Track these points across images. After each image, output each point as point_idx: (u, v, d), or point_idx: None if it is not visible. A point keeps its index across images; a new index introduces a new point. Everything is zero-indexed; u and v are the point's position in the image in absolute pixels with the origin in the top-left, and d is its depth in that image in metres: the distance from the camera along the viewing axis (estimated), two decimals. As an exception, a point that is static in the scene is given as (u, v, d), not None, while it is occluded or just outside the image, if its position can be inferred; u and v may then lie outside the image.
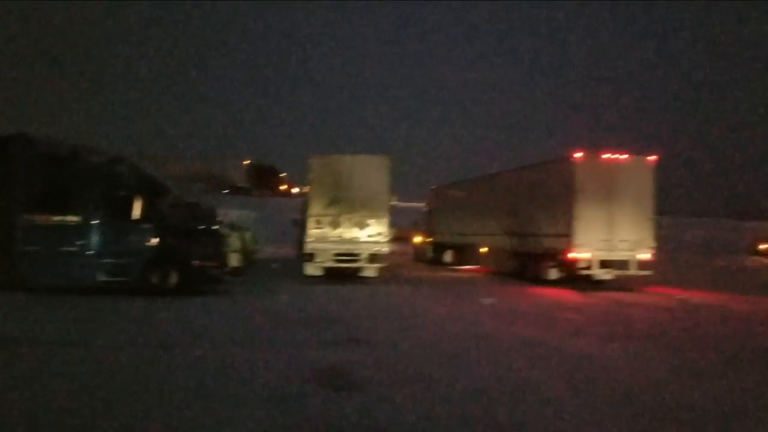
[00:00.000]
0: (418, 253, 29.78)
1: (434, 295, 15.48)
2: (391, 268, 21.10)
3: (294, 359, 7.47)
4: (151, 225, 13.61)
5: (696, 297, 15.66)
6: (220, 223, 20.04)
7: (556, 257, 17.79)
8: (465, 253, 24.93)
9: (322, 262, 17.29)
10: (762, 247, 41.81)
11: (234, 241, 19.19)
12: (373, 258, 17.45)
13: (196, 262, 13.76)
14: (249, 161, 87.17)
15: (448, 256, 26.51)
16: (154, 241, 13.57)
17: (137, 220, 13.55)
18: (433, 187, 30.84)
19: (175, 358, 7.50)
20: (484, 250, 23.02)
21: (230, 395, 5.92)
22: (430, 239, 28.24)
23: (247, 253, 21.73)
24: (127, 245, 13.54)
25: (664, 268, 21.27)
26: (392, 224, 18.03)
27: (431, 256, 27.71)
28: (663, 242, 20.24)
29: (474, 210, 24.37)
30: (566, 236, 17.12)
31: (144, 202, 13.64)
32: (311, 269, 17.40)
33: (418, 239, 30.43)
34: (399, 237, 40.14)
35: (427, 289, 16.65)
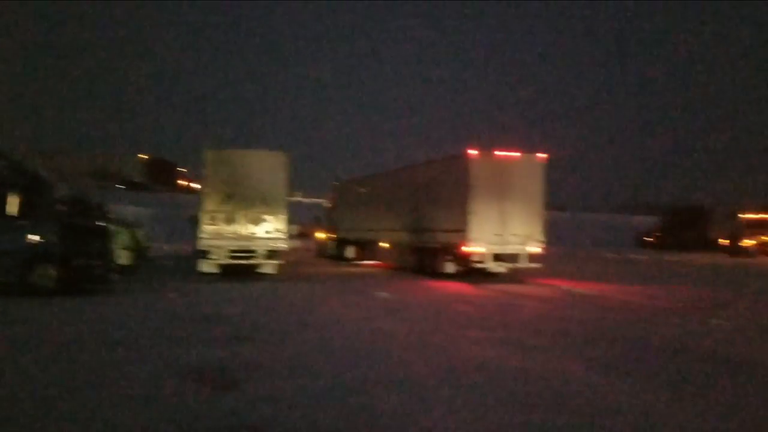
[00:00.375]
0: (321, 249, 29.71)
1: (330, 290, 15.48)
2: (292, 265, 20.95)
3: (174, 358, 7.24)
4: (30, 222, 12.81)
5: (580, 288, 16.49)
6: (109, 219, 19.19)
7: (452, 251, 18.24)
8: (367, 248, 25.10)
9: (218, 259, 16.89)
10: (647, 239, 44.65)
11: (124, 238, 18.41)
12: (271, 255, 17.23)
13: (79, 261, 13.07)
14: (146, 156, 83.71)
15: (350, 252, 26.59)
16: (33, 238, 12.78)
17: (14, 217, 12.70)
18: (335, 183, 30.83)
19: (44, 359, 7.09)
20: (385, 245, 23.25)
21: (100, 396, 5.66)
22: (333, 235, 28.22)
23: (139, 251, 20.91)
24: (2, 243, 12.68)
25: (555, 261, 22.30)
26: (296, 220, 17.85)
27: (334, 252, 27.72)
28: (554, 236, 21.22)
29: (375, 206, 24.57)
30: (461, 231, 17.58)
31: (22, 197, 12.80)
32: (206, 266, 16.96)
33: (320, 235, 30.34)
34: (303, 233, 39.98)
35: (325, 285, 16.64)
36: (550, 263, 19.05)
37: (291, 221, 18.82)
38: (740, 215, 36.44)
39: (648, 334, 9.60)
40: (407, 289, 15.71)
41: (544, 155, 18.33)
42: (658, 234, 43.97)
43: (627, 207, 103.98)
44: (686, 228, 41.07)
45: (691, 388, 6.35)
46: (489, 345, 8.40)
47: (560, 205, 74.91)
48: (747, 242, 34.17)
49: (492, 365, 7.16)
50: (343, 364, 7.18)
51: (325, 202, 32.23)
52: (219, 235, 16.84)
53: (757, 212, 36.14)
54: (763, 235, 34.42)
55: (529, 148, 18.64)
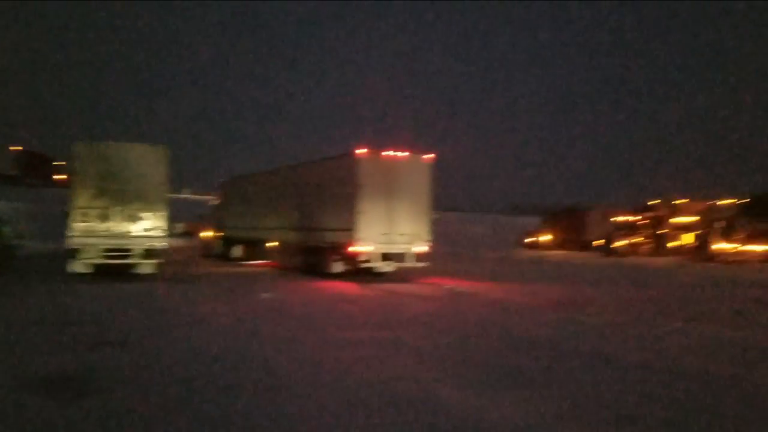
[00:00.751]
0: (206, 248, 28.70)
1: (211, 291, 15.00)
2: (173, 265, 20.12)
3: (25, 366, 6.70)
4: None
5: (463, 286, 16.93)
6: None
7: (340, 251, 18.17)
8: (254, 248, 24.53)
9: (90, 258, 15.88)
10: (527, 240, 46.66)
11: (-15, 235, 17.01)
12: (149, 254, 16.40)
13: None
14: (19, 148, 77.98)
15: (237, 252, 25.90)
16: None
17: None
18: (223, 179, 29.94)
19: None
20: (273, 244, 22.84)
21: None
22: (220, 233, 27.40)
23: (6, 249, 19.44)
24: None
25: (441, 260, 22.78)
26: (182, 218, 17.08)
27: (220, 252, 26.89)
28: (441, 236, 21.67)
29: (262, 204, 24.09)
30: (349, 230, 17.54)
31: None
32: (78, 266, 15.90)
33: (206, 234, 29.35)
34: (188, 232, 38.56)
35: (206, 286, 16.10)
36: (436, 262, 19.42)
37: (175, 219, 18.06)
38: (612, 218, 38.82)
39: (518, 331, 9.93)
40: (293, 290, 15.50)
41: (431, 155, 18.65)
42: (539, 234, 46.03)
43: (515, 208, 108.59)
44: (565, 229, 43.26)
45: (542, 381, 6.61)
46: (362, 345, 8.39)
47: (449, 205, 77.12)
48: (618, 243, 36.41)
49: (361, 366, 7.13)
50: (211, 368, 6.91)
51: (212, 200, 31.24)
52: (91, 233, 15.84)
53: (628, 214, 38.64)
54: (632, 236, 36.81)
55: (420, 148, 18.94)
